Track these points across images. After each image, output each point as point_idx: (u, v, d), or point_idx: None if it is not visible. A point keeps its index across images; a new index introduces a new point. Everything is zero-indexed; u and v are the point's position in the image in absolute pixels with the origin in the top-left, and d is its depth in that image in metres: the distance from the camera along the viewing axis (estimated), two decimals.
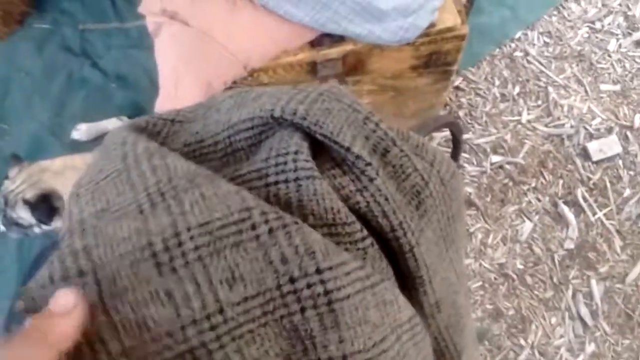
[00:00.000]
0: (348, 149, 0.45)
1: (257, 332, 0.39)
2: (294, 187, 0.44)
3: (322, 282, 0.39)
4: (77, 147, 1.59)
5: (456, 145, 0.64)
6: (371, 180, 0.46)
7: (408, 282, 0.49)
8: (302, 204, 0.44)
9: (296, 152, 0.45)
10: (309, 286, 0.39)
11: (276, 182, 0.45)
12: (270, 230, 0.40)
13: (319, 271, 0.40)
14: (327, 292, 0.39)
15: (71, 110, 1.69)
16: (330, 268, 0.40)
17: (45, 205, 1.20)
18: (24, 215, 1.22)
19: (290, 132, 0.47)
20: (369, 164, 0.45)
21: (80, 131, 1.60)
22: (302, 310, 0.40)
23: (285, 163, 0.45)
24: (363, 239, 0.45)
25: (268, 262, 0.40)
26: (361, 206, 0.46)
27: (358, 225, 0.45)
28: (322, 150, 0.48)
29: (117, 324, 0.38)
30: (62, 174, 1.24)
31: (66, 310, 0.35)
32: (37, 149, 1.62)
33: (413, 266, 0.48)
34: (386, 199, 0.46)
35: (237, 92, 0.53)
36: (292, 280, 0.39)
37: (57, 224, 1.24)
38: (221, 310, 0.38)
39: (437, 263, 0.50)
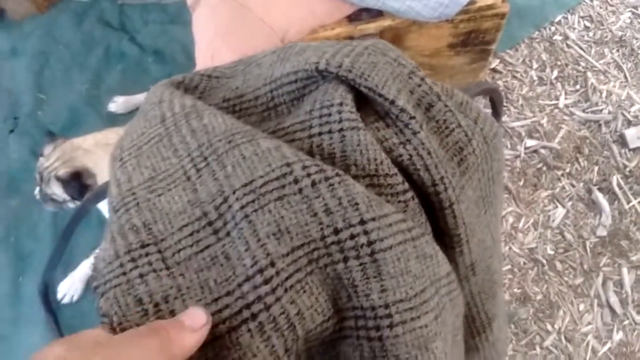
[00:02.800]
0: (392, 102, 0.45)
1: (306, 281, 0.40)
2: (337, 138, 0.45)
3: (366, 232, 0.40)
4: (114, 119, 1.62)
5: (496, 113, 0.63)
6: (414, 133, 0.46)
7: (445, 241, 0.49)
8: (345, 154, 0.44)
9: (341, 104, 0.45)
10: (352, 237, 0.40)
11: (320, 134, 0.45)
12: (313, 183, 0.41)
13: (362, 222, 0.40)
14: (370, 243, 0.40)
15: (108, 83, 1.72)
16: (374, 219, 0.40)
17: (77, 183, 1.23)
18: (57, 191, 1.26)
19: (335, 85, 0.47)
20: (412, 117, 0.45)
21: (117, 104, 1.63)
22: (345, 259, 0.40)
23: (330, 115, 0.45)
24: (404, 191, 0.45)
25: (312, 214, 0.40)
26: (404, 159, 0.46)
27: (400, 178, 0.45)
28: (366, 104, 0.48)
29: (182, 287, 0.39)
30: (93, 151, 1.27)
31: (197, 326, 0.35)
32: (74, 120, 1.65)
33: (451, 223, 0.48)
34: (429, 153, 0.46)
35: (280, 47, 0.54)
36: (335, 232, 0.40)
37: None
38: (272, 264, 0.39)
39: (475, 223, 0.50)
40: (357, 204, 0.40)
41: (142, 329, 0.35)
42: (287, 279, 0.40)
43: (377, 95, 0.46)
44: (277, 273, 0.39)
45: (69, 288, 1.35)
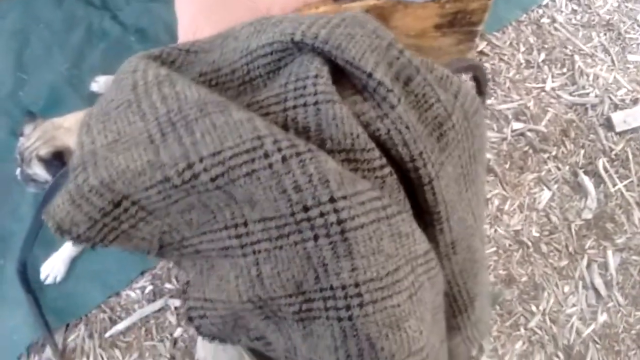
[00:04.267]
0: (370, 75, 0.44)
1: (273, 253, 0.41)
2: (312, 111, 0.44)
3: (336, 211, 0.40)
4: (95, 99, 1.58)
5: (480, 92, 0.62)
6: (392, 107, 0.45)
7: (425, 218, 0.49)
8: (320, 128, 0.44)
9: (316, 76, 0.44)
10: (322, 215, 0.40)
11: (295, 107, 0.44)
12: (284, 159, 0.40)
13: (332, 200, 0.40)
14: (340, 222, 0.40)
15: (90, 63, 1.68)
16: (345, 197, 0.40)
17: (59, 162, 1.20)
18: (39, 171, 1.24)
19: (311, 57, 0.46)
20: (390, 91, 0.45)
21: (99, 83, 1.60)
22: (316, 237, 0.40)
23: (305, 87, 0.44)
24: (382, 167, 0.44)
25: (281, 191, 0.40)
26: (381, 133, 0.45)
27: (377, 152, 0.44)
28: (342, 77, 0.47)
29: (173, 224, 0.43)
30: (75, 130, 1.22)
31: None
32: (56, 100, 1.62)
33: (431, 200, 0.47)
34: (407, 127, 0.45)
35: (257, 19, 0.52)
36: (305, 209, 0.40)
37: None
38: (245, 224, 0.41)
39: (455, 201, 0.50)
40: (327, 181, 0.40)
41: None
42: (256, 242, 0.41)
43: (354, 68, 0.45)
44: (247, 234, 0.41)
45: (52, 269, 1.34)
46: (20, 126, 1.30)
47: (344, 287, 0.40)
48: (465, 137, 0.50)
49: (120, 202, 0.42)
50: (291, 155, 0.40)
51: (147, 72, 0.48)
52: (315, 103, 0.44)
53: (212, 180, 0.40)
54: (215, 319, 0.46)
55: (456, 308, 0.59)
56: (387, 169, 0.44)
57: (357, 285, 0.40)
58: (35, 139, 1.23)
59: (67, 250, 1.36)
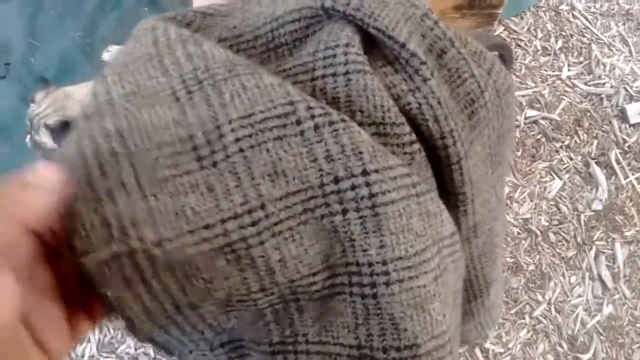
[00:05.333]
0: (403, 45, 0.42)
1: (297, 230, 0.38)
2: (342, 81, 0.42)
3: (368, 184, 0.38)
4: None
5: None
6: (425, 80, 0.43)
7: (449, 199, 0.47)
8: (350, 99, 0.42)
9: (347, 45, 0.42)
10: (353, 188, 0.38)
11: (324, 76, 0.42)
12: (316, 127, 0.38)
13: (365, 173, 0.38)
14: (371, 196, 0.38)
15: (103, 31, 1.67)
16: (377, 171, 0.38)
17: (66, 132, 1.17)
18: (46, 140, 1.22)
19: (341, 25, 0.43)
20: (423, 63, 0.43)
21: (112, 52, 1.58)
22: (344, 211, 0.38)
23: (335, 56, 0.42)
24: (411, 142, 0.42)
25: (312, 159, 0.38)
26: (412, 107, 0.43)
27: (407, 128, 0.42)
28: (374, 47, 0.45)
29: (154, 209, 0.36)
30: (83, 101, 1.22)
31: (43, 183, 0.30)
32: (68, 69, 1.61)
33: (458, 180, 0.45)
34: (439, 103, 0.43)
35: None
36: (336, 180, 0.38)
37: None
38: (263, 206, 0.37)
39: (481, 182, 0.48)
40: (361, 152, 0.38)
41: None
42: (276, 224, 0.37)
43: (386, 38, 0.42)
44: (267, 216, 0.37)
45: None
46: (32, 92, 1.28)
47: (370, 265, 0.38)
48: (495, 116, 0.49)
49: (117, 154, 0.36)
50: (324, 123, 0.38)
51: (168, 30, 0.44)
52: (346, 73, 0.41)
53: (237, 140, 0.37)
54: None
55: (471, 293, 0.58)
56: (417, 145, 0.43)
57: (384, 263, 0.38)
58: (46, 107, 1.21)
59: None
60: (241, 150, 0.38)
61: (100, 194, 0.35)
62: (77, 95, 1.23)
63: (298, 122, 0.38)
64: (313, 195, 0.38)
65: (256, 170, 0.38)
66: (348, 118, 0.39)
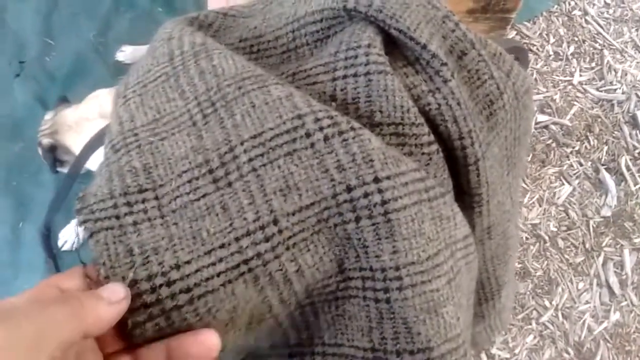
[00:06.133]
0: (424, 47, 0.43)
1: (311, 240, 0.39)
2: (363, 81, 0.42)
3: (380, 191, 0.38)
4: (121, 68, 1.59)
5: None
6: (445, 81, 0.43)
7: (465, 200, 0.48)
8: (370, 100, 0.42)
9: (368, 46, 0.43)
10: (365, 195, 0.38)
11: (344, 77, 0.43)
12: (326, 138, 0.39)
13: (376, 180, 0.38)
14: (384, 202, 0.38)
15: (117, 31, 1.68)
16: (389, 177, 0.39)
17: (52, 155, 1.27)
18: (41, 154, 1.30)
19: (363, 26, 0.44)
20: (444, 64, 0.43)
21: (125, 53, 1.60)
22: (357, 219, 0.39)
23: (356, 57, 0.43)
24: (429, 143, 0.43)
25: (324, 170, 0.39)
26: (432, 108, 0.44)
27: (426, 128, 0.43)
28: (395, 48, 0.45)
29: (174, 237, 0.37)
30: (75, 129, 1.27)
31: (114, 299, 0.33)
32: (81, 68, 1.62)
33: (474, 181, 0.46)
34: (458, 104, 0.43)
35: None
36: (348, 189, 0.38)
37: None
38: (275, 221, 0.38)
39: (497, 184, 0.49)
40: (371, 160, 0.39)
41: (52, 297, 0.31)
42: (290, 237, 0.38)
43: (407, 39, 0.43)
44: (280, 231, 0.38)
45: (70, 235, 1.35)
46: (46, 92, 1.31)
47: (383, 270, 0.39)
48: (513, 118, 0.49)
49: (144, 190, 0.39)
50: (333, 134, 0.39)
51: (182, 39, 0.46)
52: (367, 74, 0.42)
53: (250, 160, 0.39)
54: None
55: (482, 295, 0.59)
56: (435, 146, 0.43)
57: (397, 268, 0.39)
58: (46, 127, 1.28)
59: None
60: (254, 169, 0.39)
61: (126, 226, 0.38)
62: (69, 121, 1.27)
63: (307, 135, 0.39)
64: (327, 206, 0.39)
65: (268, 187, 0.38)
66: (358, 125, 0.40)
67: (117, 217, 0.38)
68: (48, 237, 0.87)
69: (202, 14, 0.51)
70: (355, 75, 0.43)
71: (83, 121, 1.26)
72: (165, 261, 0.36)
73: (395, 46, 0.45)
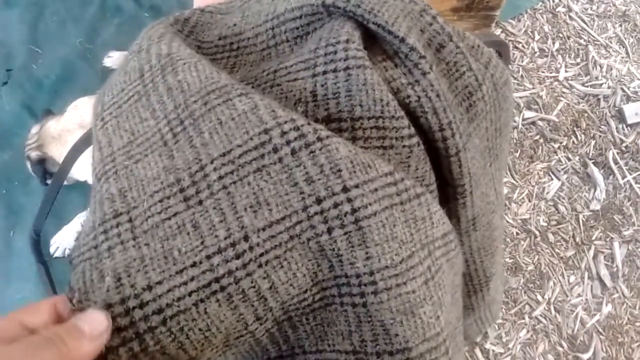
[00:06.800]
0: (402, 40, 0.43)
1: (284, 257, 0.39)
2: (343, 76, 0.43)
3: (349, 200, 0.39)
4: (108, 74, 1.58)
5: None
6: (424, 74, 0.44)
7: (448, 192, 0.48)
8: (350, 94, 0.43)
9: (347, 41, 0.43)
10: (335, 206, 0.39)
11: (324, 72, 0.43)
12: (293, 151, 0.39)
13: (345, 189, 0.39)
14: (354, 211, 0.39)
15: (104, 38, 1.68)
16: (357, 186, 0.39)
17: (42, 168, 1.29)
18: (29, 167, 1.33)
19: (342, 21, 0.45)
20: (422, 57, 0.44)
21: (113, 58, 1.60)
22: (329, 230, 0.39)
23: (336, 52, 0.43)
24: (410, 136, 0.43)
25: (293, 184, 0.39)
26: (411, 100, 0.44)
27: (406, 121, 0.43)
28: (374, 42, 0.46)
29: (146, 257, 0.38)
30: (58, 140, 1.29)
31: (96, 333, 0.33)
32: (69, 75, 1.61)
33: (456, 172, 0.46)
34: (437, 95, 0.44)
35: None
36: (318, 201, 0.39)
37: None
38: (246, 238, 0.38)
39: (479, 175, 0.49)
40: (339, 170, 0.39)
41: (37, 339, 0.31)
42: (262, 254, 0.38)
43: (386, 33, 0.44)
44: (251, 248, 0.38)
45: (62, 241, 1.35)
46: (34, 100, 1.31)
47: (358, 276, 0.39)
48: (493, 109, 0.50)
49: (119, 214, 0.40)
50: (300, 147, 0.39)
51: (150, 52, 0.47)
52: (346, 68, 0.42)
53: (221, 178, 0.39)
54: None
55: (471, 287, 0.59)
56: (415, 139, 0.44)
57: (371, 273, 0.39)
58: (33, 141, 1.30)
59: (77, 223, 1.37)
60: (224, 187, 0.39)
61: (102, 252, 0.39)
62: (54, 132, 1.29)
63: (275, 150, 0.39)
64: (298, 220, 0.39)
65: (239, 204, 0.39)
66: (325, 134, 0.40)
67: (95, 247, 0.39)
68: (38, 243, 0.86)
69: (180, 13, 0.52)
70: (334, 70, 0.43)
71: (65, 133, 1.28)
72: (137, 283, 0.37)
73: (374, 40, 0.46)
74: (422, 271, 0.41)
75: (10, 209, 1.45)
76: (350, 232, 0.39)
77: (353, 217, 0.39)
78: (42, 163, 1.29)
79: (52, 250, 1.34)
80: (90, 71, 1.62)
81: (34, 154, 1.29)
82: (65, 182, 1.33)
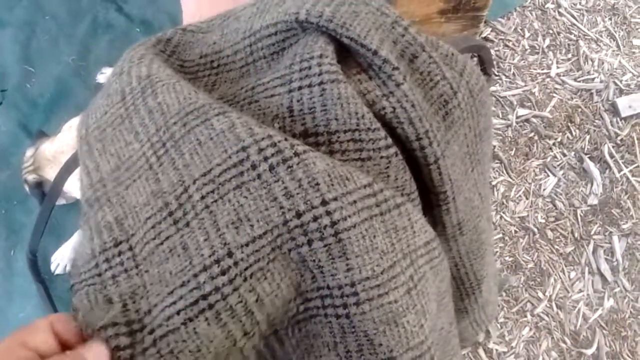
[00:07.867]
0: (375, 53, 0.44)
1: (267, 268, 0.39)
2: (318, 91, 0.43)
3: (328, 213, 0.39)
4: None
5: (485, 73, 0.62)
6: (398, 85, 0.44)
7: (431, 199, 0.48)
8: (326, 108, 0.43)
9: (321, 56, 0.44)
10: (315, 219, 0.39)
11: (300, 88, 0.44)
12: (271, 167, 0.40)
13: (324, 203, 0.39)
14: (333, 223, 0.39)
15: (96, 54, 1.69)
16: (336, 198, 0.40)
17: (40, 191, 1.30)
18: (28, 190, 1.33)
19: (315, 37, 0.45)
20: (396, 68, 0.44)
21: (106, 75, 1.61)
22: (310, 242, 0.39)
23: (310, 67, 0.44)
24: (387, 147, 0.44)
25: (272, 199, 0.39)
26: (387, 112, 0.45)
27: (383, 132, 0.44)
28: (348, 56, 0.47)
29: (147, 284, 0.39)
30: (53, 161, 1.30)
31: None
32: (63, 92, 1.62)
33: (437, 180, 0.47)
34: (412, 105, 0.44)
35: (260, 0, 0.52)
36: (298, 215, 0.39)
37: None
38: (230, 254, 0.39)
39: (461, 180, 0.50)
40: (317, 184, 0.39)
41: None
42: (246, 268, 0.39)
43: (359, 46, 0.44)
44: (235, 263, 0.38)
45: (62, 258, 1.35)
46: (30, 119, 1.32)
47: (340, 287, 0.40)
48: (470, 116, 0.50)
49: (119, 243, 0.41)
50: (278, 162, 0.40)
51: (130, 74, 0.48)
52: (320, 83, 0.43)
53: (203, 198, 0.40)
54: None
55: (463, 291, 0.60)
56: (393, 149, 0.44)
57: (353, 284, 0.39)
58: (29, 164, 1.31)
59: (77, 240, 1.37)
60: (207, 206, 0.40)
61: (106, 280, 0.40)
62: (49, 154, 1.30)
63: (253, 167, 0.40)
64: (279, 234, 0.40)
65: (221, 222, 0.40)
66: (302, 149, 0.41)
67: (99, 275, 0.40)
68: (35, 262, 0.87)
69: (163, 33, 0.53)
70: (309, 85, 0.44)
71: (59, 155, 1.29)
72: (141, 307, 0.38)
73: (348, 54, 0.46)
74: (404, 280, 0.42)
75: (10, 229, 1.46)
76: (330, 244, 0.39)
77: (333, 230, 0.39)
78: (39, 187, 1.30)
79: (52, 267, 1.35)
80: (83, 88, 1.62)
81: (30, 178, 1.30)
82: (64, 201, 1.35)
